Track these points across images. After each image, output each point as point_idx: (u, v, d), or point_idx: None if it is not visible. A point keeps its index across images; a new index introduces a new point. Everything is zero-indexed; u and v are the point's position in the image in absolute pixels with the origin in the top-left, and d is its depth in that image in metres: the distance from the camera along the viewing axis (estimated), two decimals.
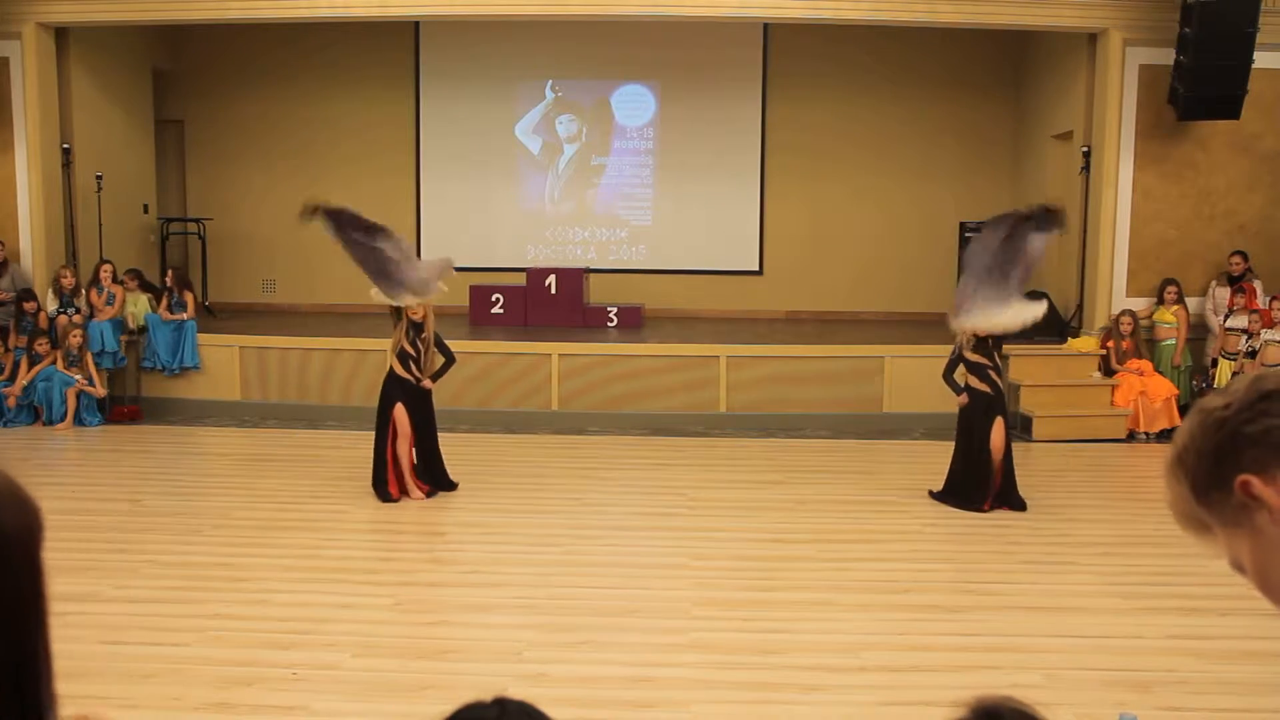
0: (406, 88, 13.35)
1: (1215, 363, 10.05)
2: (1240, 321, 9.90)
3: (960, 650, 4.89)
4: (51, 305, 10.46)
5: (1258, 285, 10.14)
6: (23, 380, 9.94)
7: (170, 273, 10.99)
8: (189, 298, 10.72)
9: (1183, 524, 1.17)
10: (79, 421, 9.93)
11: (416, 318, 7.51)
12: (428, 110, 13.37)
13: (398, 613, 5.34)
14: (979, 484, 7.25)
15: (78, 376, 9.94)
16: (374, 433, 7.55)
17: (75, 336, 10.04)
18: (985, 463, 7.26)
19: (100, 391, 10.10)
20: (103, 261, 10.77)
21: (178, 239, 13.14)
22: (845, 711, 4.28)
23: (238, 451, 9.09)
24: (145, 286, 11.01)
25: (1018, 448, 8.12)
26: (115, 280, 10.71)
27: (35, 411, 9.99)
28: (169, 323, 10.54)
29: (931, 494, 7.53)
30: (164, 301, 10.75)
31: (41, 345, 10.03)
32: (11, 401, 9.88)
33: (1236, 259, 10.19)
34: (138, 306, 10.74)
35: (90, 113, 11.38)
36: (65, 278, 10.46)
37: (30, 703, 1.19)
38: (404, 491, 7.47)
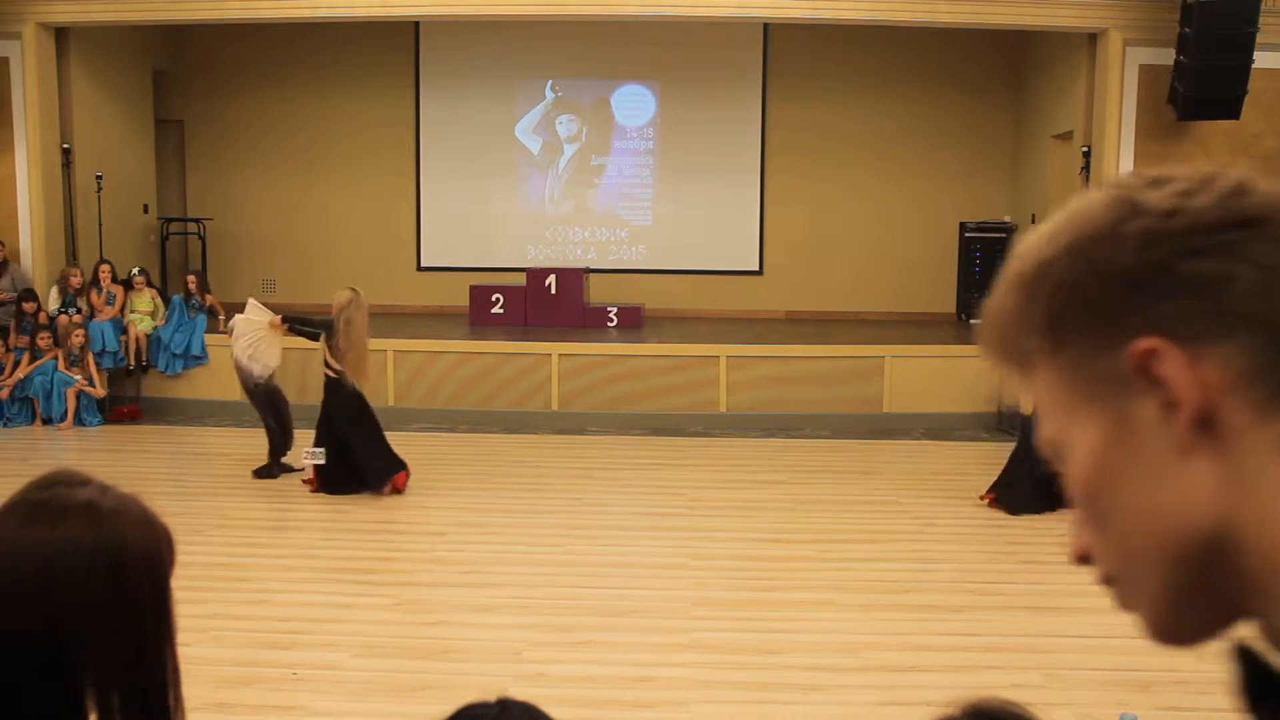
0: (406, 88, 13.34)
1: None
2: None
3: (960, 650, 4.89)
4: (54, 304, 10.47)
5: None
6: (18, 373, 9.94)
7: (193, 278, 10.99)
8: (210, 300, 10.81)
9: (991, 347, 0.74)
10: (79, 421, 9.93)
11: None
12: (428, 110, 13.37)
13: (398, 613, 5.33)
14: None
15: (78, 376, 9.94)
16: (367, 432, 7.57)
17: (77, 336, 10.04)
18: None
19: (100, 391, 10.10)
20: (102, 261, 10.77)
21: (178, 239, 13.14)
22: (845, 711, 4.28)
23: (238, 451, 9.08)
24: (151, 285, 11.05)
25: None
26: (115, 280, 10.71)
27: (34, 411, 9.99)
28: (183, 325, 10.59)
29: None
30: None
31: (44, 340, 10.03)
32: (5, 393, 9.87)
33: None
34: (141, 304, 10.72)
35: (90, 113, 11.37)
36: (74, 277, 10.47)
37: (157, 709, 1.26)
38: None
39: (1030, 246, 0.73)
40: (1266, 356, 0.63)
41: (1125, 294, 0.66)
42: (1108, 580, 0.72)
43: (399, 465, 7.60)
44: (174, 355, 10.57)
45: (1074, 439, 0.70)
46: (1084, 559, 0.73)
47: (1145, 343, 0.64)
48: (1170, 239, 0.66)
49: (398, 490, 7.53)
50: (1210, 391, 0.63)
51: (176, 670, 1.30)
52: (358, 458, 7.50)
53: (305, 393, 10.66)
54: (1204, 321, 0.64)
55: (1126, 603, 0.72)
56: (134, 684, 1.24)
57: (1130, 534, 0.68)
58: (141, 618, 1.25)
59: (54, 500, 1.27)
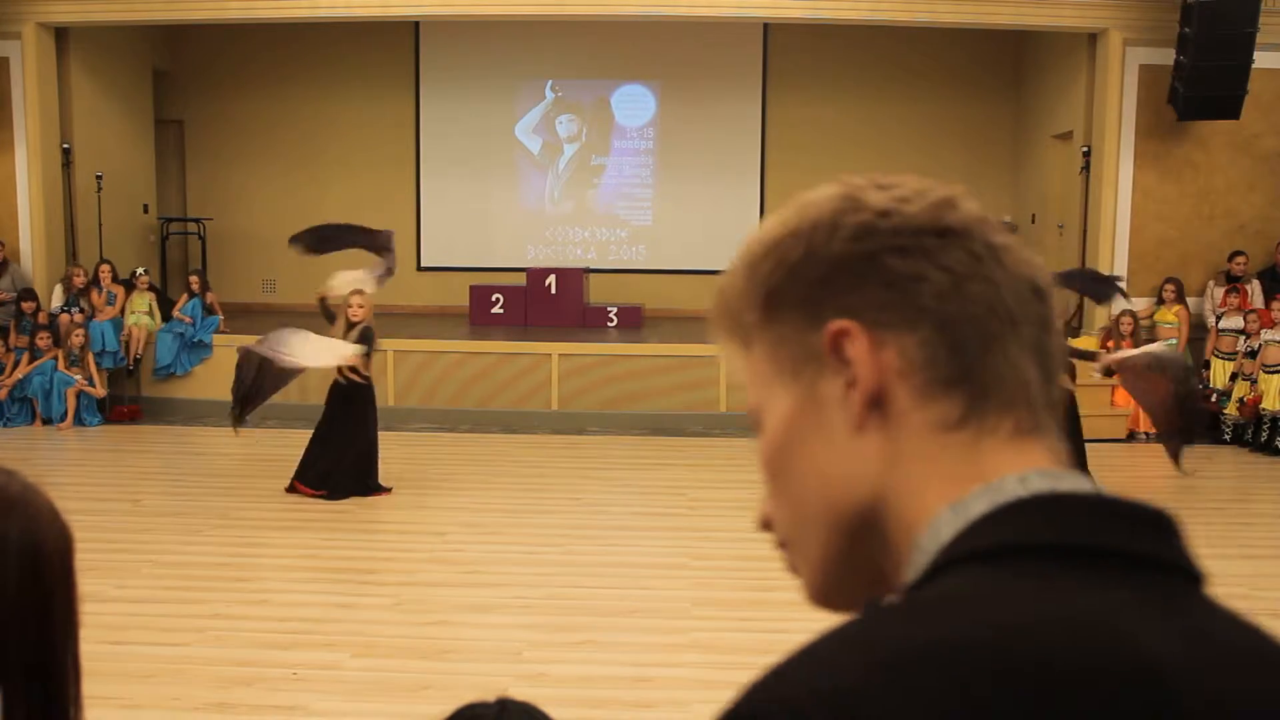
0: (406, 88, 13.35)
1: (1208, 364, 10.05)
2: (1234, 322, 9.90)
3: None
4: (56, 303, 10.47)
5: (1250, 287, 10.13)
6: (17, 373, 9.95)
7: (195, 278, 10.99)
8: (211, 299, 10.80)
9: (718, 322, 0.79)
10: (79, 421, 9.92)
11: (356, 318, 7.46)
12: (428, 110, 13.37)
13: (398, 613, 5.33)
14: None
15: (78, 376, 9.94)
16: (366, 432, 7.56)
17: (77, 336, 10.04)
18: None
19: (100, 391, 10.10)
20: (102, 261, 10.78)
21: (178, 239, 13.14)
22: None
23: (238, 451, 9.09)
24: (153, 288, 11.05)
25: None
26: (115, 280, 10.72)
27: (33, 411, 9.99)
28: (187, 330, 10.59)
29: None
30: (180, 302, 10.76)
31: (43, 340, 10.03)
32: (3, 393, 9.88)
33: (1241, 259, 10.19)
34: (139, 305, 10.72)
35: (90, 113, 11.37)
36: (77, 276, 10.47)
37: (59, 705, 1.23)
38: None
39: (763, 229, 0.77)
40: (937, 350, 0.70)
41: (832, 278, 0.72)
42: (782, 545, 0.77)
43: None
44: (189, 349, 10.56)
45: (770, 408, 0.75)
46: (766, 525, 0.77)
47: (840, 324, 0.71)
48: (880, 235, 0.72)
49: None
50: (885, 374, 0.70)
51: (78, 666, 1.27)
52: (375, 462, 7.55)
53: (307, 393, 10.67)
54: (893, 312, 0.71)
55: (794, 567, 0.77)
56: (40, 678, 1.20)
57: (802, 501, 0.74)
58: (51, 609, 1.23)
59: None
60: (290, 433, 9.77)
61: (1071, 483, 0.69)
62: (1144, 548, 0.66)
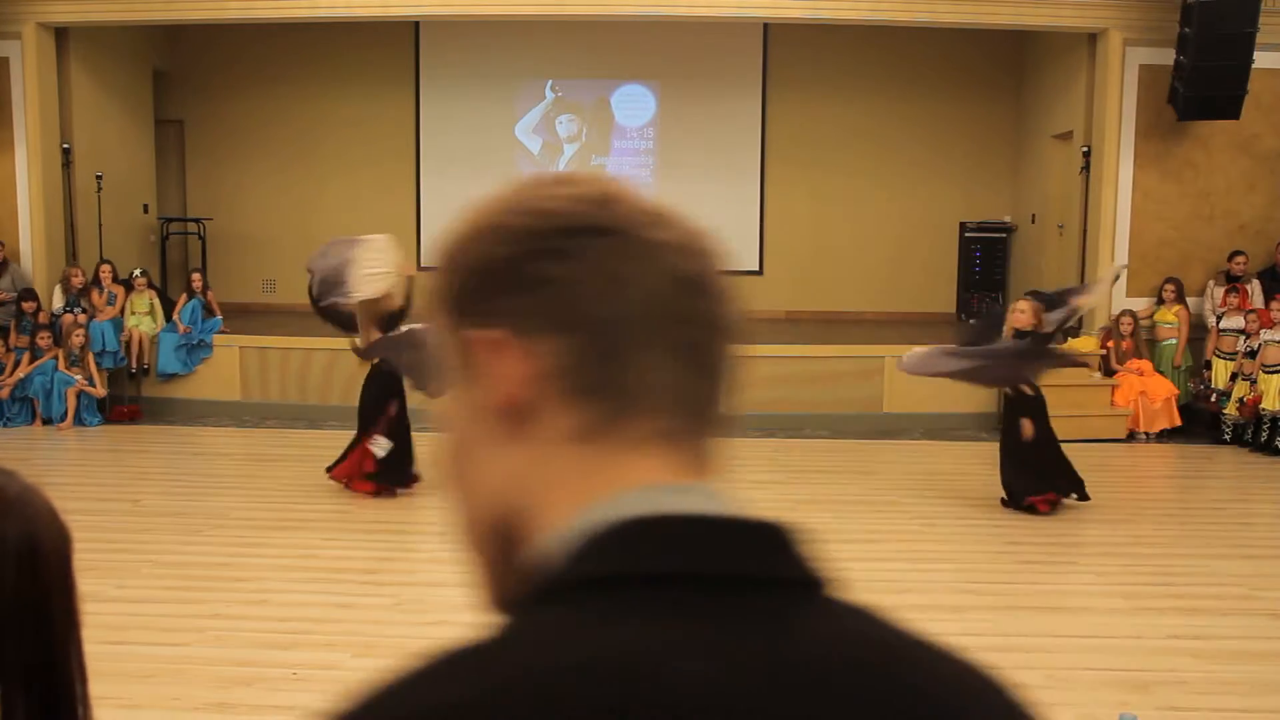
0: (406, 88, 13.34)
1: (1208, 364, 10.05)
2: (1234, 322, 9.90)
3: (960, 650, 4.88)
4: (57, 303, 10.47)
5: (1250, 287, 10.13)
6: (19, 373, 9.94)
7: (197, 275, 10.99)
8: (210, 298, 10.81)
9: (434, 319, 0.76)
10: (79, 421, 9.92)
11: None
12: (428, 110, 13.37)
13: (398, 613, 5.33)
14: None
15: (78, 376, 9.94)
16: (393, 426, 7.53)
17: (78, 336, 10.05)
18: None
19: (100, 391, 10.09)
20: (102, 261, 10.78)
21: (178, 239, 13.14)
22: None
23: (238, 451, 9.09)
24: (152, 286, 11.05)
25: None
26: (116, 280, 10.72)
27: (34, 411, 9.99)
28: (204, 328, 10.60)
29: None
30: (180, 302, 10.75)
31: (44, 339, 10.03)
32: (4, 393, 9.88)
33: (1241, 259, 10.19)
34: (140, 306, 10.70)
35: (90, 113, 11.37)
36: (75, 277, 10.47)
37: (66, 704, 1.22)
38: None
39: (450, 230, 0.76)
40: (581, 357, 0.69)
41: (485, 284, 0.71)
42: (464, 552, 0.76)
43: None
44: (189, 349, 10.56)
45: (449, 413, 0.74)
46: (454, 533, 0.77)
47: (486, 333, 0.70)
48: (530, 238, 0.70)
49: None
50: (526, 384, 0.69)
51: (84, 666, 1.26)
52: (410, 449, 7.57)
53: (306, 393, 10.66)
54: (538, 318, 0.69)
55: (471, 573, 0.76)
56: (41, 678, 1.19)
57: (471, 507, 0.74)
58: (50, 610, 1.22)
59: None
60: (290, 432, 9.78)
61: (691, 500, 0.69)
62: (737, 568, 0.66)
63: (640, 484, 0.69)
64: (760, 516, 0.70)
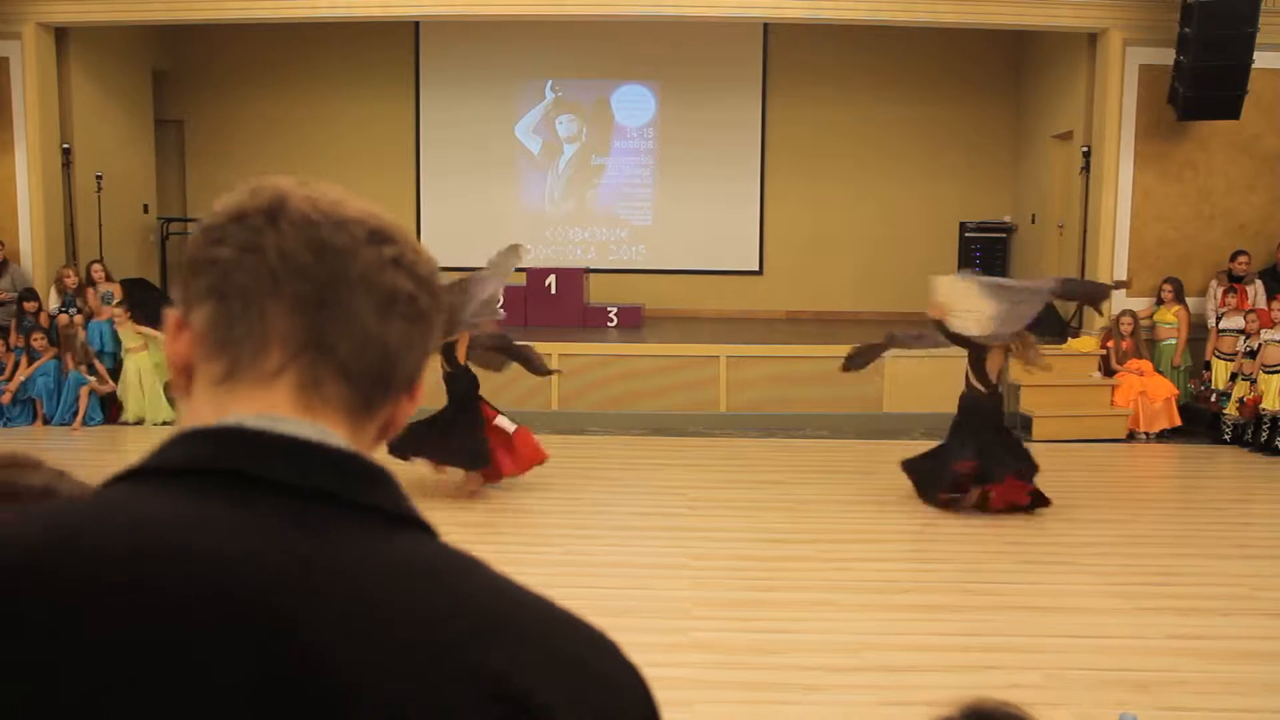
0: (406, 88, 13.35)
1: (1208, 364, 10.05)
2: (1234, 322, 9.90)
3: (960, 650, 4.88)
4: (53, 304, 10.46)
5: (1251, 288, 10.12)
6: (19, 377, 9.94)
7: None
8: None
9: None
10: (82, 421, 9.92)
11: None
12: (428, 110, 13.38)
13: None
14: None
15: (91, 378, 9.94)
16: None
17: (79, 335, 10.04)
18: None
19: (112, 386, 10.09)
20: (93, 261, 10.75)
21: (178, 239, 13.13)
22: (845, 711, 4.28)
23: None
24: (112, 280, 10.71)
25: None
26: (110, 279, 10.71)
27: (35, 410, 9.99)
28: None
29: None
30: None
31: (39, 341, 10.02)
32: (7, 398, 9.88)
33: (1243, 259, 10.18)
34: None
35: (90, 113, 11.38)
36: (68, 277, 10.46)
37: None
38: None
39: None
40: (216, 320, 0.84)
41: (184, 274, 0.87)
42: None
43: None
44: None
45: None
46: None
47: (169, 313, 0.88)
48: (205, 230, 0.86)
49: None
50: (187, 349, 0.86)
51: None
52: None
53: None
54: (194, 295, 0.85)
55: None
56: None
57: None
58: None
59: (7, 485, 1.22)
60: None
61: (277, 425, 0.81)
62: (290, 477, 0.78)
63: (251, 411, 0.82)
64: (351, 450, 0.82)
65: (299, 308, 0.83)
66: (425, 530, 0.83)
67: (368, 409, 0.86)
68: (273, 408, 0.82)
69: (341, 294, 0.83)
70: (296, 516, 0.77)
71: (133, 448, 9.27)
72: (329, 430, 0.83)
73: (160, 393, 9.95)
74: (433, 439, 7.41)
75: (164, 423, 9.92)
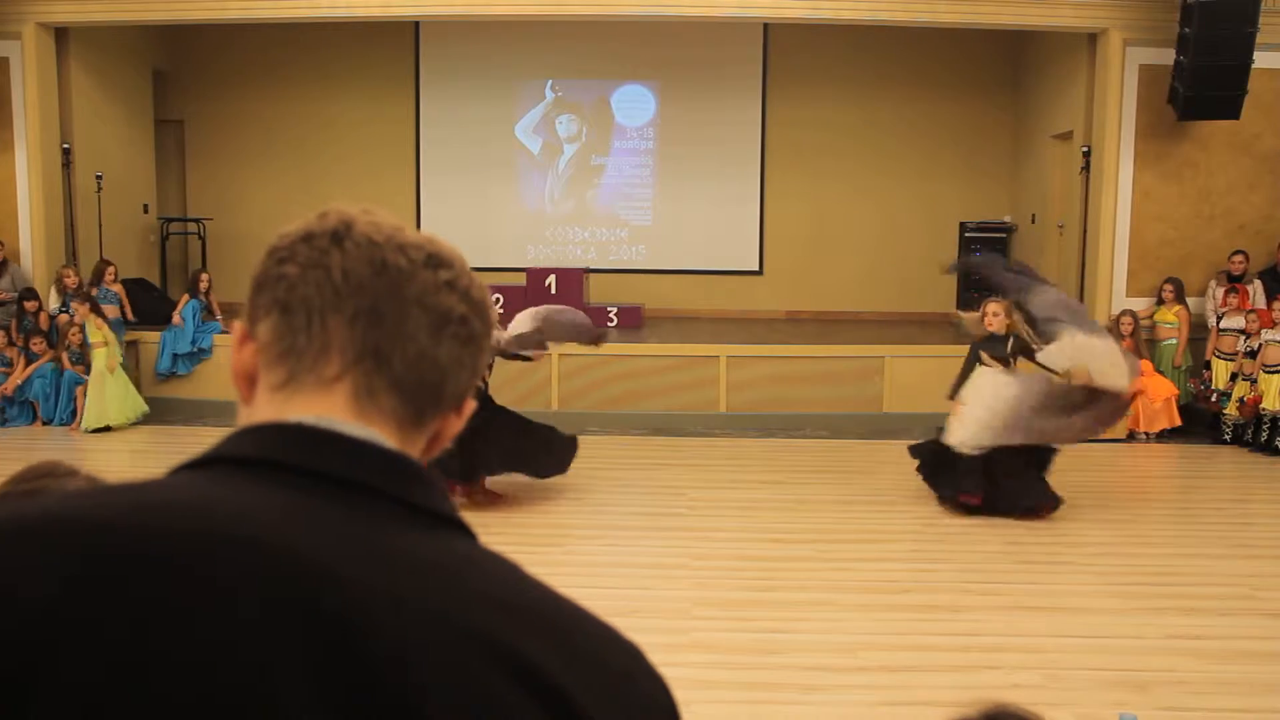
0: (406, 88, 13.35)
1: (1208, 364, 10.04)
2: (1234, 322, 9.90)
3: (960, 650, 4.89)
4: (54, 304, 10.46)
5: (1250, 288, 10.12)
6: (17, 378, 9.94)
7: (205, 278, 10.97)
8: (214, 301, 10.83)
9: None
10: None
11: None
12: (428, 110, 13.37)
13: None
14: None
15: (87, 377, 9.93)
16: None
17: (76, 335, 10.03)
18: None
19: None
20: (107, 263, 10.75)
21: (178, 239, 13.14)
22: (844, 711, 4.28)
23: None
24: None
25: None
26: (116, 279, 10.72)
27: (33, 411, 9.99)
28: (200, 330, 10.59)
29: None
30: (181, 303, 10.74)
31: (38, 344, 10.02)
32: (9, 389, 9.88)
33: (1239, 258, 10.19)
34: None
35: (90, 113, 11.37)
36: (68, 277, 10.45)
37: None
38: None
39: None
40: (279, 331, 0.89)
41: (250, 292, 0.93)
42: None
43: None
44: (185, 356, 10.58)
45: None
46: None
47: (236, 324, 0.93)
48: (273, 251, 0.92)
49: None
50: (251, 358, 0.91)
51: None
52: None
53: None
54: (259, 308, 0.91)
55: None
56: None
57: None
58: None
59: (43, 492, 1.24)
60: None
61: (340, 426, 0.86)
62: (344, 471, 0.84)
63: (311, 415, 0.87)
64: (400, 452, 0.88)
65: (358, 320, 0.88)
66: (466, 531, 0.89)
67: (418, 421, 0.91)
68: (330, 411, 0.88)
69: (398, 311, 0.89)
70: (351, 508, 0.82)
71: (131, 448, 9.28)
72: (381, 435, 0.88)
73: (120, 392, 9.76)
74: (499, 452, 7.15)
75: (132, 423, 9.84)
